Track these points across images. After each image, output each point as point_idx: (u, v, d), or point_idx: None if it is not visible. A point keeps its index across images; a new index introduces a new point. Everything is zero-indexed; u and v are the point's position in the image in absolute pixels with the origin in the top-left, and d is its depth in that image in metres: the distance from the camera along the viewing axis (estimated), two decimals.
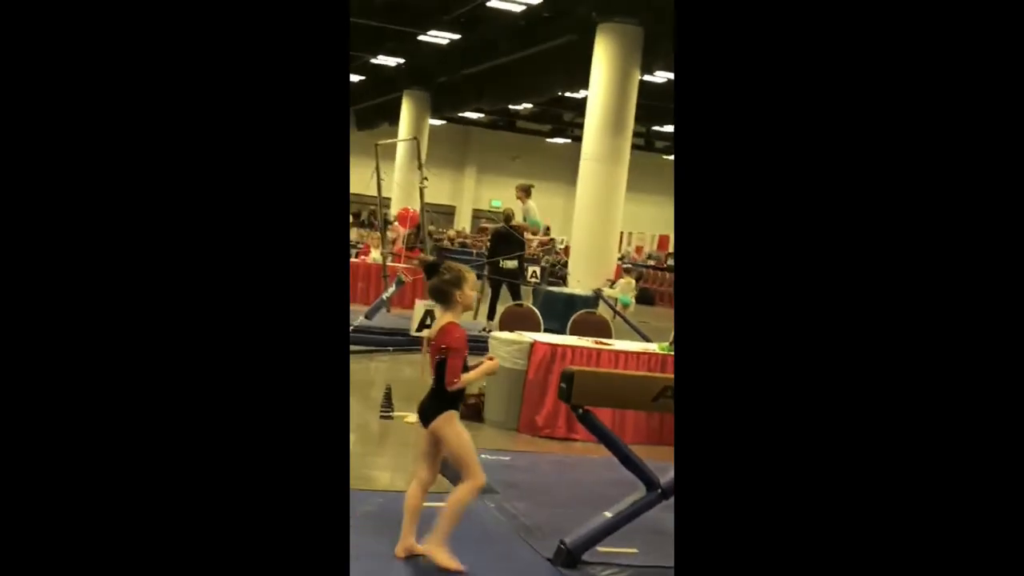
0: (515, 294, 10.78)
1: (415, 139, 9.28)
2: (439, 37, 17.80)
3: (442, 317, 3.67)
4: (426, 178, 9.14)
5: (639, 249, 27.23)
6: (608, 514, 3.80)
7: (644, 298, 19.21)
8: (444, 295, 3.65)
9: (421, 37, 17.90)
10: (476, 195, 31.67)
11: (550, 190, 29.68)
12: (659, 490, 3.81)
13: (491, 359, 3.84)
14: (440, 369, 3.58)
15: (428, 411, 3.63)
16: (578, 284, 11.82)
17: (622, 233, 25.07)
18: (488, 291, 11.29)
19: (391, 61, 20.77)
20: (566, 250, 17.60)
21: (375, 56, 20.08)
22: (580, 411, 3.71)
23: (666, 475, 3.91)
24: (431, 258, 7.75)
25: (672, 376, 3.96)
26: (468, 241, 22.20)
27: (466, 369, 3.59)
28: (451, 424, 3.60)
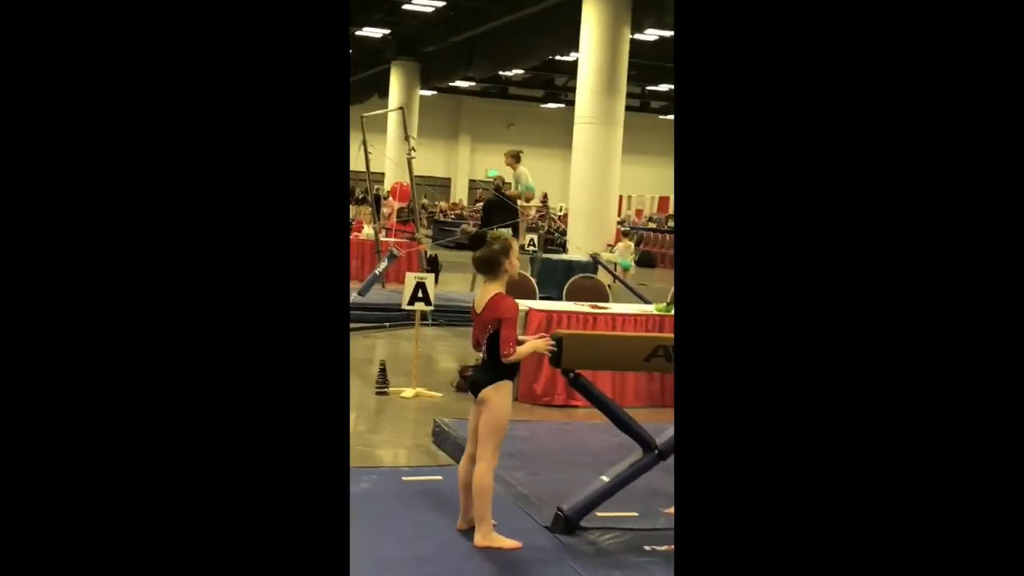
0: None
1: (401, 109, 9.19)
2: (424, 5, 17.67)
3: (488, 288, 3.57)
4: (414, 148, 9.07)
5: (639, 212, 27.15)
6: (605, 478, 3.79)
7: (645, 261, 19.24)
8: (495, 264, 3.55)
9: (406, 6, 17.78)
10: (472, 165, 31.53)
11: (547, 156, 29.59)
12: (656, 451, 3.79)
13: (543, 337, 3.67)
14: (493, 342, 3.50)
15: (480, 381, 3.56)
16: (578, 251, 11.78)
17: (621, 196, 25.00)
18: None
19: (377, 32, 20.66)
20: (564, 218, 17.53)
21: (360, 28, 19.95)
22: (571, 375, 3.69)
23: (663, 436, 3.90)
24: (473, 229, 7.60)
25: (664, 335, 3.94)
26: (464, 213, 22.13)
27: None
28: (501, 394, 3.53)
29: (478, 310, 3.58)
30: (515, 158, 11.58)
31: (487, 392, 3.52)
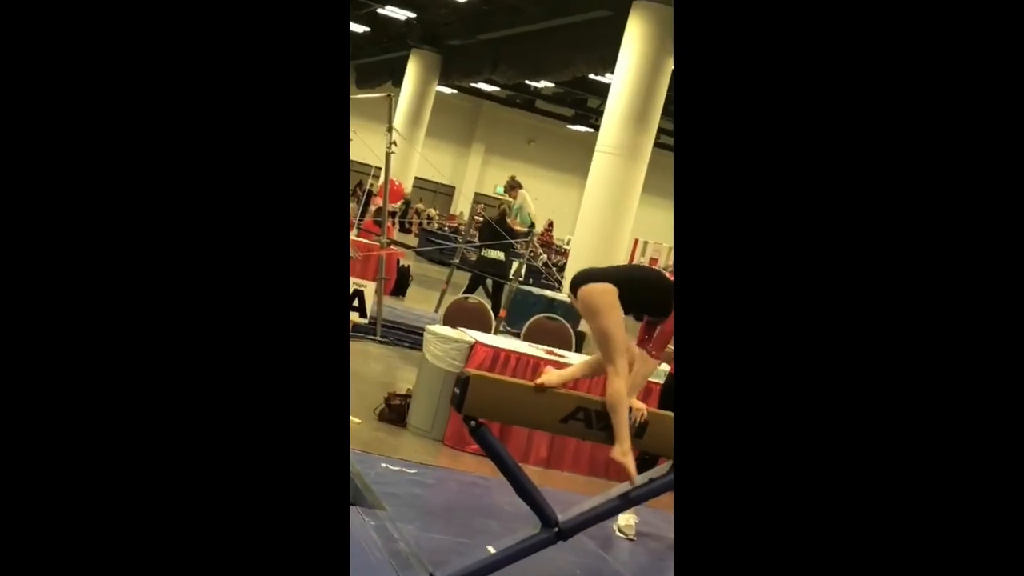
0: (495, 294, 10.55)
1: (389, 96, 9.03)
2: None
3: None
4: (395, 142, 8.91)
5: (654, 261, 26.96)
6: (491, 549, 3.57)
7: None
8: None
9: None
10: (481, 177, 31.41)
11: (564, 182, 29.49)
12: (556, 529, 3.57)
13: None
14: None
15: None
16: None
17: (637, 240, 24.78)
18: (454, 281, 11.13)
19: (400, 14, 20.56)
20: (567, 252, 17.35)
21: (383, 6, 19.87)
22: (473, 424, 3.48)
23: (571, 512, 3.68)
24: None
25: (591, 397, 3.73)
26: (460, 228, 21.95)
27: None
28: None
29: None
30: (512, 187, 11.54)
31: None
